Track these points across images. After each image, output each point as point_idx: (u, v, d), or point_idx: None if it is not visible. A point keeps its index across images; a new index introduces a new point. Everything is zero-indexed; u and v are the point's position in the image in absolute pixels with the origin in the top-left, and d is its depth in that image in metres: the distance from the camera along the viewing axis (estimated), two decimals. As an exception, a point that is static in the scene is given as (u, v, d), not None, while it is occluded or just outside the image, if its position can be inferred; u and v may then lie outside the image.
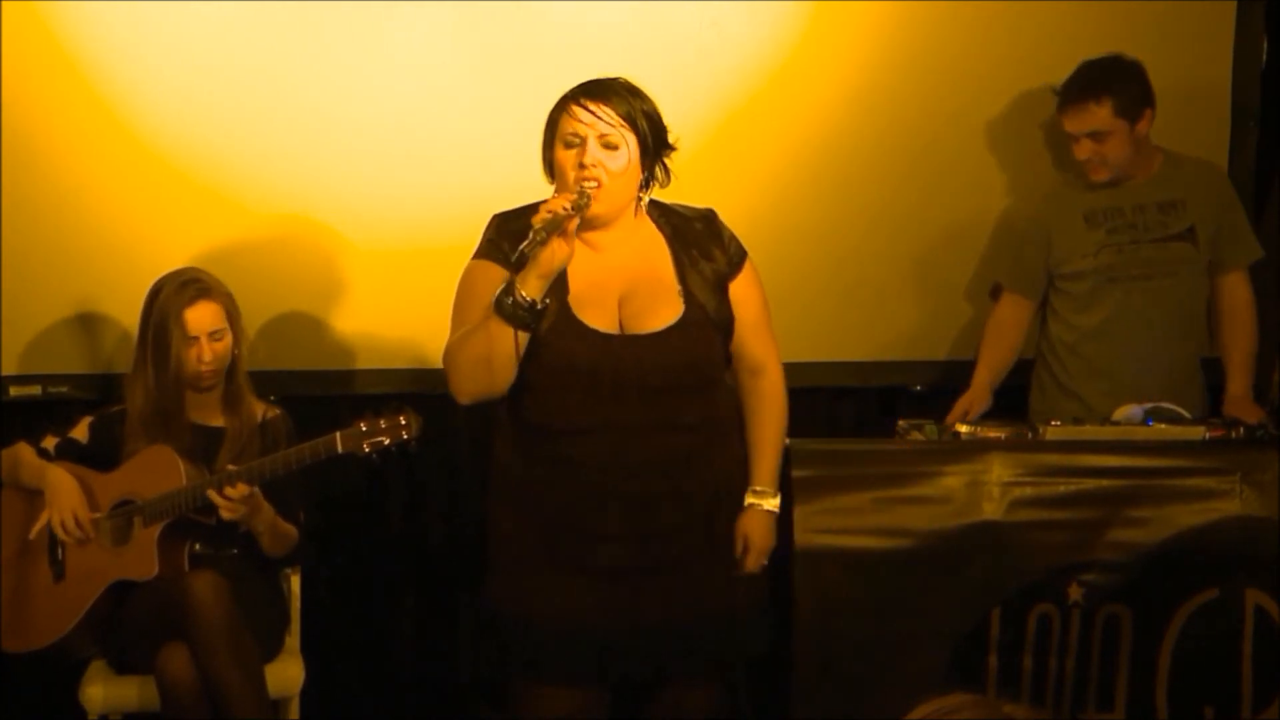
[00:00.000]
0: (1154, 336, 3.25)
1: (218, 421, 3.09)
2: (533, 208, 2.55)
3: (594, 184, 2.51)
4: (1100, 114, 3.14)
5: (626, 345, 2.56)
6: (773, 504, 2.66)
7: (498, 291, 2.49)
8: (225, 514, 2.90)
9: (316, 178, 3.39)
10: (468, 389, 2.56)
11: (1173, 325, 3.26)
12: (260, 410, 3.13)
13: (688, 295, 2.60)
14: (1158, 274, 3.24)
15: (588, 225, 2.55)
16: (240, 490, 2.89)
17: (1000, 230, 3.43)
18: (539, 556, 2.61)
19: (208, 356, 3.02)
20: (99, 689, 3.00)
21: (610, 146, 2.53)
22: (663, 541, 2.59)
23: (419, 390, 3.32)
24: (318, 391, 3.41)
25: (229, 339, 3.05)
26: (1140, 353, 3.24)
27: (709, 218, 2.68)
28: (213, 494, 2.89)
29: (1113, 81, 3.15)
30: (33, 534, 3.03)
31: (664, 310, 2.59)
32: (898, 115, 3.48)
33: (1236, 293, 3.31)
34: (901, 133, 3.49)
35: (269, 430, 3.10)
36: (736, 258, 2.65)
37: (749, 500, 2.66)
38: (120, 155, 3.34)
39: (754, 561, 2.64)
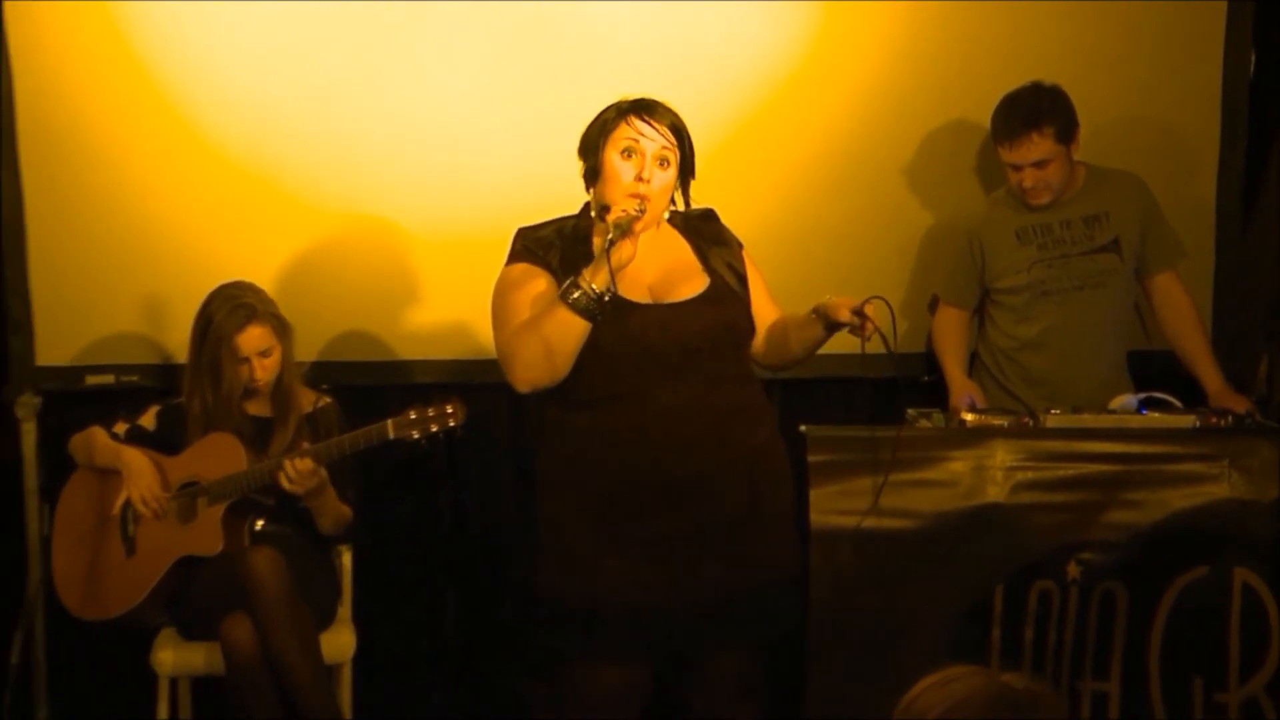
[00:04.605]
0: (1087, 344, 3.26)
1: (269, 413, 3.12)
2: (552, 221, 2.66)
3: (644, 199, 2.56)
4: (1043, 143, 3.15)
5: (663, 312, 2.59)
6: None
7: (564, 285, 2.54)
8: (291, 487, 2.93)
9: (368, 176, 3.39)
10: (529, 377, 2.57)
11: (1103, 331, 3.28)
12: (311, 400, 3.16)
13: (711, 271, 2.66)
14: (1088, 285, 3.25)
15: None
16: (306, 464, 2.91)
17: (945, 243, 3.43)
18: (596, 537, 2.59)
19: (259, 374, 3.05)
20: (169, 654, 3.04)
21: (663, 164, 2.59)
22: (712, 503, 2.58)
23: (460, 380, 3.34)
24: (367, 381, 3.42)
25: (277, 353, 3.07)
26: (1074, 360, 3.26)
27: (710, 215, 2.75)
28: (286, 466, 2.91)
29: (1051, 111, 3.16)
30: (115, 509, 3.06)
31: (691, 284, 2.65)
32: (910, 118, 3.47)
33: (1172, 294, 3.31)
34: (913, 135, 3.48)
35: (319, 418, 3.12)
36: (739, 245, 2.74)
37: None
38: (186, 160, 3.34)
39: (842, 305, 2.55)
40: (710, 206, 2.75)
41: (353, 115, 3.36)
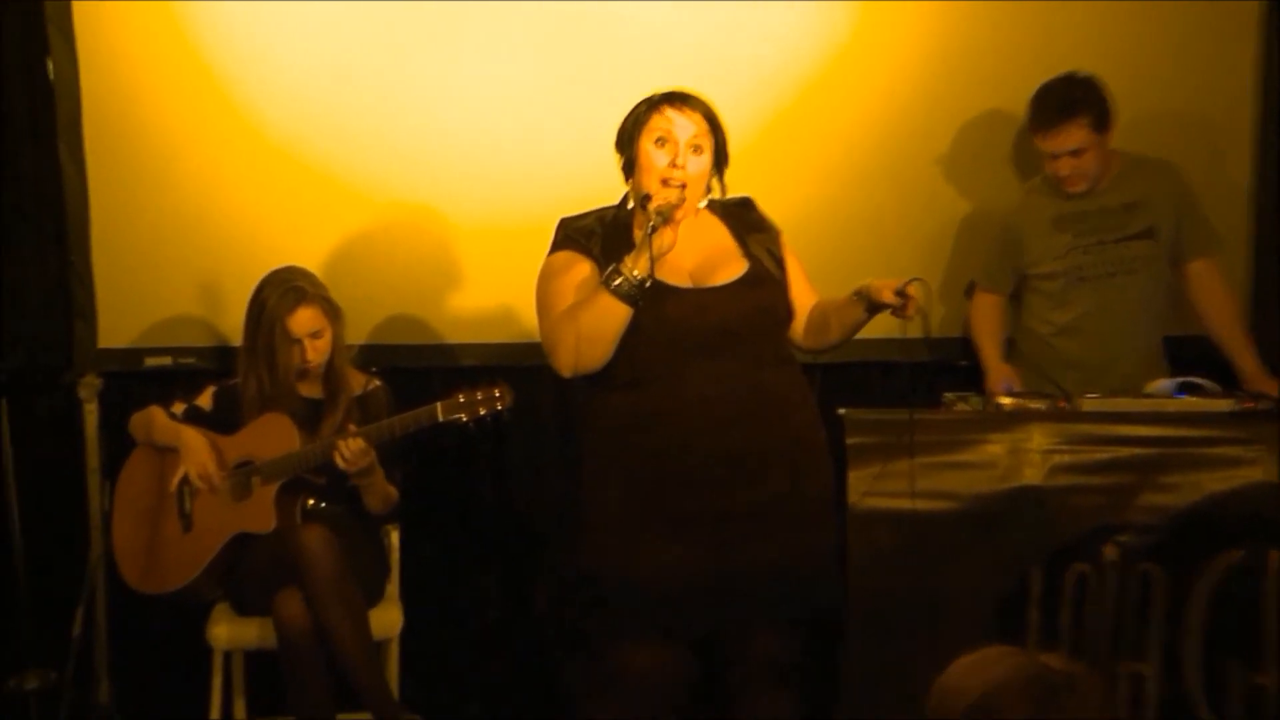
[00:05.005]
0: (1121, 329, 3.25)
1: (320, 394, 3.14)
2: (593, 211, 2.68)
3: (683, 186, 2.59)
4: (1079, 133, 3.14)
5: (703, 296, 2.60)
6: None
7: (606, 273, 2.56)
8: (345, 466, 2.96)
9: (416, 167, 3.41)
10: (572, 362, 2.59)
11: (1138, 317, 3.27)
12: (361, 382, 3.18)
13: (750, 256, 2.68)
14: (1122, 271, 3.24)
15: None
16: (359, 444, 2.93)
17: (980, 231, 3.43)
18: (635, 518, 2.60)
19: (310, 355, 3.08)
20: (223, 628, 3.07)
21: (696, 150, 2.60)
22: (752, 485, 2.59)
23: (505, 363, 3.35)
24: (414, 363, 3.44)
25: (328, 334, 3.10)
26: (1109, 344, 3.25)
27: (748, 203, 2.76)
28: (340, 446, 2.93)
29: (1086, 100, 3.15)
30: (172, 486, 3.10)
31: (731, 268, 2.66)
32: (945, 110, 3.46)
33: (1207, 280, 3.29)
34: (948, 126, 3.47)
35: (369, 401, 3.15)
36: (777, 231, 2.75)
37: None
38: (241, 152, 3.39)
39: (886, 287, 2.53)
40: (747, 195, 2.75)
41: (402, 110, 3.40)
